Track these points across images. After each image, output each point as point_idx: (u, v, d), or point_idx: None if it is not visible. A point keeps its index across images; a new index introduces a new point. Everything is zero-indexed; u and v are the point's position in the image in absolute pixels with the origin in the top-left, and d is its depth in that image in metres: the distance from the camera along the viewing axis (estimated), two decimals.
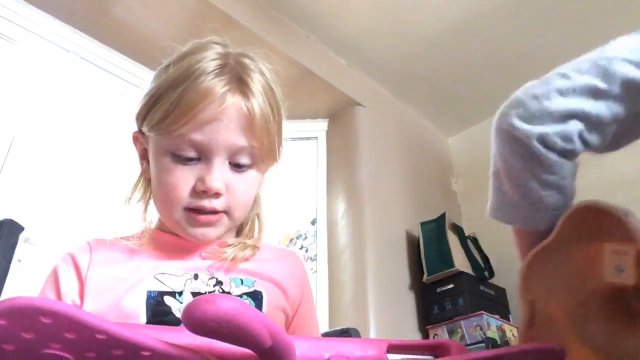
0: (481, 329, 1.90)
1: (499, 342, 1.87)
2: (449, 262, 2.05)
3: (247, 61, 0.67)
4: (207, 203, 0.63)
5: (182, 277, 0.64)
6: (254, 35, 1.95)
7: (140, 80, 1.80)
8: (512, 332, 2.02)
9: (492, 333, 1.91)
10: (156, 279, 0.63)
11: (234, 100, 0.63)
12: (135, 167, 0.72)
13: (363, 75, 2.48)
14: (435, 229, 2.19)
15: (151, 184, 0.69)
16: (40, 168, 1.48)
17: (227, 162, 0.64)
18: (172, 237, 0.68)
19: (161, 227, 0.70)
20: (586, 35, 2.28)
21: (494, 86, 2.55)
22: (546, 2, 2.13)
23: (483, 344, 1.83)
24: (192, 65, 0.63)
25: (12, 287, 1.11)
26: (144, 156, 0.70)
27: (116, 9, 1.76)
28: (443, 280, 2.07)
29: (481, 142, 2.81)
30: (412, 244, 2.25)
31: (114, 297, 0.61)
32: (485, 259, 2.23)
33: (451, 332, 1.97)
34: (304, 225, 2.21)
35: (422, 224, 2.23)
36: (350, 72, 2.42)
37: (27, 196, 1.42)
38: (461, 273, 2.04)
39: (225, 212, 0.65)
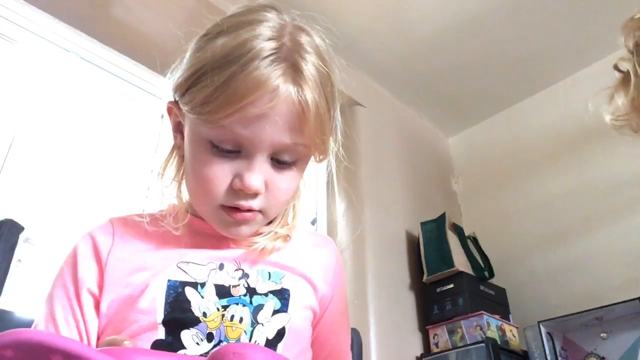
0: (481, 329, 1.90)
1: (498, 342, 1.87)
2: (449, 262, 2.05)
3: (303, 39, 0.60)
4: (243, 202, 0.58)
5: (207, 267, 0.61)
6: None
7: (140, 80, 1.80)
8: (512, 332, 2.02)
9: (492, 333, 1.91)
10: (179, 267, 0.60)
11: (286, 94, 0.55)
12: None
13: (363, 75, 2.47)
14: (435, 229, 2.19)
15: (184, 166, 0.64)
16: (40, 168, 1.48)
17: (269, 159, 0.58)
18: (202, 223, 0.64)
19: (191, 211, 0.66)
20: (586, 35, 2.28)
21: (494, 86, 2.55)
22: (546, 2, 2.12)
23: (483, 344, 1.83)
24: (244, 43, 0.55)
25: (12, 287, 1.11)
26: (177, 129, 0.65)
27: (116, 9, 1.76)
28: (443, 280, 2.06)
29: (481, 142, 2.82)
30: (412, 244, 2.25)
31: (133, 288, 0.58)
32: (485, 259, 2.23)
33: (451, 332, 1.97)
34: (304, 225, 2.21)
35: (422, 224, 2.23)
36: (350, 72, 2.42)
37: (27, 196, 1.42)
38: (461, 273, 2.04)
39: (261, 211, 0.60)
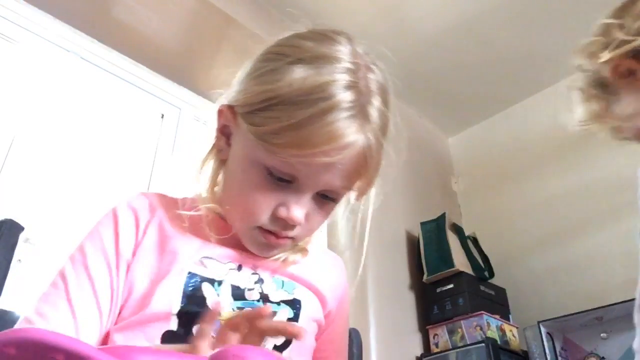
0: (481, 329, 1.90)
1: (498, 342, 1.87)
2: (449, 262, 2.05)
3: (373, 84, 0.61)
4: (282, 230, 0.60)
5: (226, 266, 0.62)
6: (254, 35, 1.94)
7: (140, 80, 1.80)
8: (512, 332, 2.02)
9: (492, 333, 1.91)
10: (201, 262, 0.60)
11: (355, 147, 0.57)
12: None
13: None
14: (435, 229, 2.19)
15: (228, 176, 0.64)
16: (40, 168, 1.48)
17: (315, 194, 0.60)
18: (228, 226, 0.65)
19: (220, 212, 0.66)
20: (586, 35, 2.27)
21: (494, 86, 2.55)
22: (546, 2, 2.12)
23: (483, 344, 1.83)
24: (323, 87, 0.55)
25: (12, 287, 1.11)
26: (223, 132, 0.64)
27: (116, 9, 1.75)
28: (443, 280, 2.06)
29: (481, 142, 2.82)
30: (412, 244, 2.25)
31: (155, 274, 0.59)
32: (485, 259, 2.23)
33: (451, 332, 1.97)
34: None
35: (422, 224, 2.23)
36: None
37: (27, 196, 1.42)
38: (461, 273, 2.04)
39: (294, 237, 0.62)
